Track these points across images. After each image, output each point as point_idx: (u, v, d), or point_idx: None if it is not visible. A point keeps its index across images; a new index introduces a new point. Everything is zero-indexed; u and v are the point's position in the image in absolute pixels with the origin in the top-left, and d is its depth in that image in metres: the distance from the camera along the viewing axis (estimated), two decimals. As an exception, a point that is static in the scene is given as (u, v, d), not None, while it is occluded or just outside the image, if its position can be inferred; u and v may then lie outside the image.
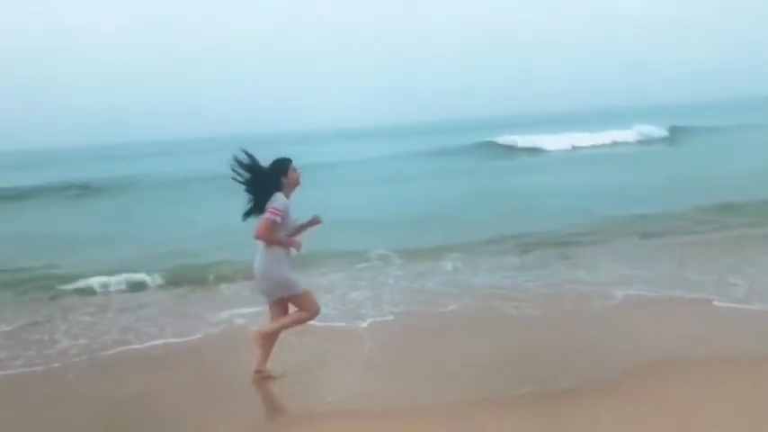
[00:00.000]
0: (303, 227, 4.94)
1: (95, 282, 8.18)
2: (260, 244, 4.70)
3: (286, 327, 4.91)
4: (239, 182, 4.75)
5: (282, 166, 4.75)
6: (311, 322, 6.27)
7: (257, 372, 4.94)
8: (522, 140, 30.78)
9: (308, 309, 4.84)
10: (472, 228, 10.99)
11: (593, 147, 30.15)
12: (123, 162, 44.85)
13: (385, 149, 33.89)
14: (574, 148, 29.79)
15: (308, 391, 4.78)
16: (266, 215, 4.58)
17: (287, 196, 4.74)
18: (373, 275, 8.04)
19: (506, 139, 31.65)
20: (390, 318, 6.46)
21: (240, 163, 4.71)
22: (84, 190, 23.00)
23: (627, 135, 32.72)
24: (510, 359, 5.12)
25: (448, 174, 21.71)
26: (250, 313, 6.85)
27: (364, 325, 6.27)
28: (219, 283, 8.18)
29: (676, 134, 33.58)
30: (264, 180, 4.71)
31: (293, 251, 4.79)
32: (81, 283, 8.15)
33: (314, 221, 5.00)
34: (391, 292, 7.26)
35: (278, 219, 4.56)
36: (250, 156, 4.73)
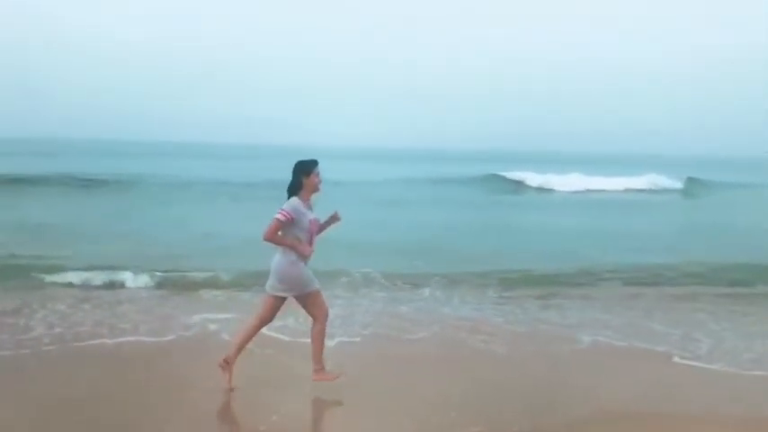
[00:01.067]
0: (325, 224, 5.03)
1: (81, 275, 8.36)
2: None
3: (320, 347, 5.02)
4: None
5: (306, 166, 4.82)
6: (278, 335, 6.50)
7: (225, 360, 5.00)
8: (531, 178, 30.81)
9: (317, 312, 4.94)
10: (462, 258, 11.08)
11: (604, 191, 29.96)
12: (137, 159, 45.57)
13: (393, 173, 34.01)
14: (586, 190, 29.67)
15: (254, 408, 4.82)
16: (275, 216, 4.67)
17: (306, 198, 4.82)
18: (351, 295, 8.14)
19: (515, 174, 31.71)
20: (358, 339, 6.55)
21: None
22: (89, 182, 23.33)
23: (641, 183, 32.50)
24: (463, 395, 5.14)
25: (451, 203, 21.74)
26: (224, 319, 7.04)
27: (331, 344, 6.28)
28: (202, 287, 8.32)
29: (692, 186, 33.31)
30: (291, 181, 4.82)
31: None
32: (67, 276, 8.33)
33: (333, 218, 5.07)
34: (364, 314, 7.37)
35: (282, 218, 4.65)
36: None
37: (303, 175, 4.79)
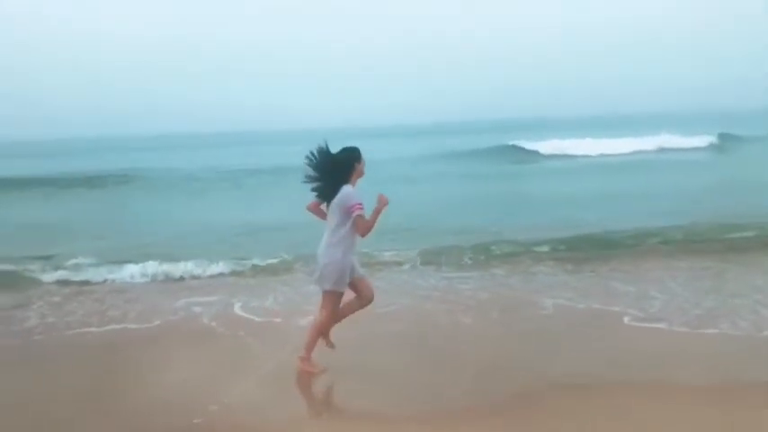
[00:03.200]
0: (377, 211, 4.88)
1: (80, 269, 8.83)
2: (331, 233, 4.84)
3: (316, 339, 5.10)
4: (311, 167, 4.87)
5: (356, 153, 4.89)
6: (251, 316, 6.84)
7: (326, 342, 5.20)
8: (550, 146, 30.26)
9: (329, 308, 5.01)
10: (456, 231, 11.10)
11: (628, 153, 29.29)
12: (130, 154, 46.07)
13: (404, 150, 33.59)
14: (604, 155, 28.91)
15: (197, 397, 4.77)
16: (356, 213, 4.72)
17: (353, 185, 4.86)
18: None
19: (530, 143, 31.28)
20: None
21: (317, 151, 4.86)
22: (87, 180, 23.57)
23: (659, 142, 31.69)
24: (413, 372, 5.17)
25: (460, 177, 21.68)
26: (208, 302, 7.45)
27: (302, 322, 6.36)
28: (193, 275, 8.68)
29: (724, 142, 32.15)
30: (337, 166, 4.82)
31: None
32: (65, 271, 8.76)
33: (382, 202, 4.84)
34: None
35: (363, 212, 4.75)
36: (326, 146, 4.89)
37: (355, 161, 4.85)
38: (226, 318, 6.83)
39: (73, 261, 9.18)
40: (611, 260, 8.68)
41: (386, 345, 5.88)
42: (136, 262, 8.98)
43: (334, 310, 5.06)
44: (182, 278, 8.65)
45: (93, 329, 6.67)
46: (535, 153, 29.87)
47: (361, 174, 4.93)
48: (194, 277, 8.69)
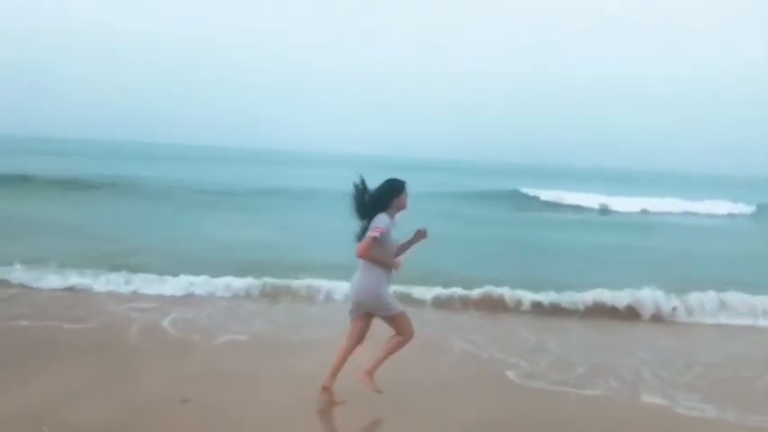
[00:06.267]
0: (409, 242, 5.02)
1: (31, 270, 9.10)
2: (361, 261, 4.83)
3: (387, 356, 4.99)
4: (353, 206, 4.86)
5: (398, 186, 4.83)
6: (170, 328, 7.11)
7: (324, 387, 5.09)
8: (555, 195, 29.93)
9: (403, 331, 4.91)
10: (421, 272, 10.96)
11: (654, 214, 28.50)
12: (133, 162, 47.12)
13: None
14: (617, 212, 28.27)
15: (47, 413, 4.73)
16: (369, 234, 4.66)
17: (391, 217, 4.82)
18: (265, 306, 8.56)
19: (548, 193, 30.64)
20: (244, 338, 6.92)
21: (354, 187, 4.86)
22: (74, 184, 23.90)
23: (691, 206, 30.66)
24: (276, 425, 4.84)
25: (451, 217, 21.31)
26: (149, 308, 7.86)
27: (218, 342, 6.75)
28: (142, 281, 8.98)
29: (763, 211, 30.61)
30: (374, 199, 4.79)
31: (394, 271, 4.90)
32: (26, 273, 9.02)
33: (419, 235, 5.02)
34: (268, 313, 8.02)
35: (377, 235, 4.63)
36: (362, 182, 4.87)
37: (394, 196, 4.80)
38: (149, 328, 7.12)
39: (38, 263, 9.42)
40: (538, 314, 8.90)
41: (263, 383, 5.63)
42: (102, 268, 9.35)
43: (409, 325, 4.93)
44: (139, 287, 8.84)
45: (27, 323, 7.07)
46: (536, 199, 29.40)
47: (401, 207, 4.86)
48: (148, 284, 8.93)
